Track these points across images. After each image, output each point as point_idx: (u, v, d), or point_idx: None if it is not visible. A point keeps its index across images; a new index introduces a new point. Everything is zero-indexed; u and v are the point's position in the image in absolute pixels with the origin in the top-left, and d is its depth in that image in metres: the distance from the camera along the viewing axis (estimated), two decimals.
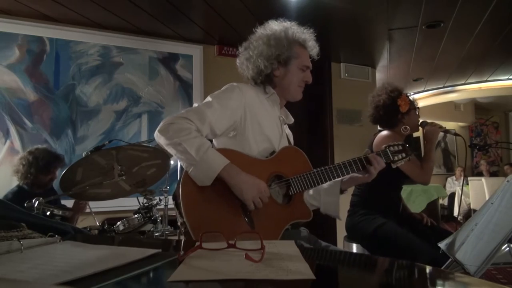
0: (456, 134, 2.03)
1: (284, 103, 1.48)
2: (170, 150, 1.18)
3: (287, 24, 1.41)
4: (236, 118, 1.29)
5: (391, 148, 1.41)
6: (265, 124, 1.33)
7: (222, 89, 1.34)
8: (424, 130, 1.96)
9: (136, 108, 3.40)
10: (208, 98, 1.29)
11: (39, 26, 3.08)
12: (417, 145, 5.17)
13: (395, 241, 1.74)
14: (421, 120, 2.01)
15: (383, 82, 2.13)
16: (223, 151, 1.21)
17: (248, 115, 1.30)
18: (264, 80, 1.40)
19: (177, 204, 1.17)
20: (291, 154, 1.35)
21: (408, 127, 1.98)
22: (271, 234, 1.20)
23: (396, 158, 1.41)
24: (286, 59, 1.37)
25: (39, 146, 2.56)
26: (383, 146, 1.42)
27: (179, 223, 1.20)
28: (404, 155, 1.42)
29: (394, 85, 2.04)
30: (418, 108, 2.03)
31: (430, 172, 1.90)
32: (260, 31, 1.41)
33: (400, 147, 1.43)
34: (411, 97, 2.04)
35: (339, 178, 1.34)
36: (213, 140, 1.35)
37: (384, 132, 1.98)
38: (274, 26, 1.40)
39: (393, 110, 1.96)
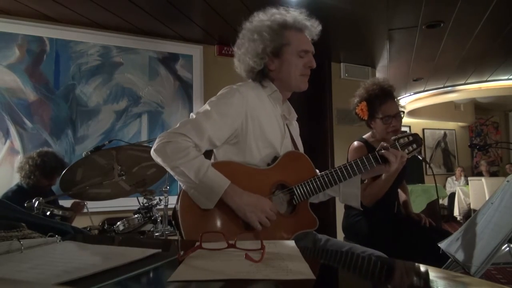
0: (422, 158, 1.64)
1: (288, 96, 1.37)
2: (168, 171, 1.13)
3: (274, 11, 1.28)
4: (237, 126, 1.20)
5: (401, 141, 1.34)
6: (267, 127, 1.24)
7: (221, 93, 1.24)
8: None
9: (136, 108, 3.40)
10: (207, 107, 1.18)
11: (39, 26, 3.08)
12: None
13: (392, 240, 1.73)
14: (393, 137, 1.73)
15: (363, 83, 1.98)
16: (223, 165, 1.16)
17: (250, 120, 1.21)
18: (261, 76, 1.30)
19: (177, 225, 1.11)
20: (294, 160, 1.27)
21: (376, 133, 1.94)
22: None
23: (407, 150, 1.33)
24: (276, 49, 1.25)
25: (49, 149, 2.57)
26: (392, 138, 1.34)
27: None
28: (415, 146, 1.34)
29: (366, 88, 1.92)
30: (392, 116, 1.83)
31: (370, 199, 1.75)
32: (247, 26, 1.30)
33: (411, 138, 1.34)
34: (399, 102, 1.91)
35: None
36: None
37: (354, 144, 1.97)
38: (260, 17, 1.29)
39: (358, 115, 1.96)
